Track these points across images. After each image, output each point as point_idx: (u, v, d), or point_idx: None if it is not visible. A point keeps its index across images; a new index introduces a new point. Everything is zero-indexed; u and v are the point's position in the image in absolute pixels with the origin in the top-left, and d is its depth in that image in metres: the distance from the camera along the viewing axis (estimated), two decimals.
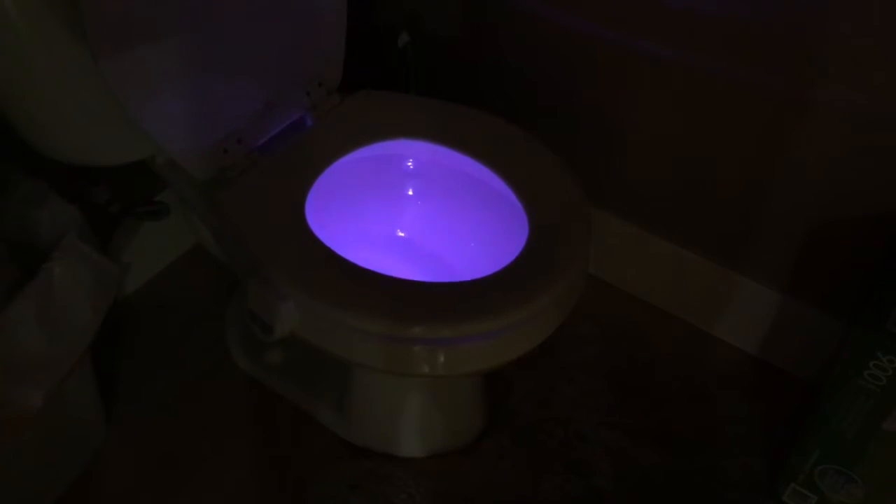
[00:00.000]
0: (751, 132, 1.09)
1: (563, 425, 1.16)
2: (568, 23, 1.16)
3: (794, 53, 1.00)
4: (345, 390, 1.10)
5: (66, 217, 0.97)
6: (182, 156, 0.95)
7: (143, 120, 0.88)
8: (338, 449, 1.12)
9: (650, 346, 1.28)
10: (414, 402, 1.09)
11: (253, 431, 1.15)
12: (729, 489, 1.10)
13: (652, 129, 1.18)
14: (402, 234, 1.13)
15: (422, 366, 0.85)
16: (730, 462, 1.13)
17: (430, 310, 0.83)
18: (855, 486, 1.00)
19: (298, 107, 1.07)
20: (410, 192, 1.11)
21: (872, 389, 0.90)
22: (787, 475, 1.05)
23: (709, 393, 1.22)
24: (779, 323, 1.21)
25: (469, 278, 0.86)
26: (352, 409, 1.10)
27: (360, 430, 1.12)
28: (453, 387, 1.10)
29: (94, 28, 0.80)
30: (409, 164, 1.09)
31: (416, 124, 1.06)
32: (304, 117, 1.08)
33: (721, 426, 1.17)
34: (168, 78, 0.90)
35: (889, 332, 0.87)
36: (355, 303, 0.83)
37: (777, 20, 0.99)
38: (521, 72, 1.26)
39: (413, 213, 1.12)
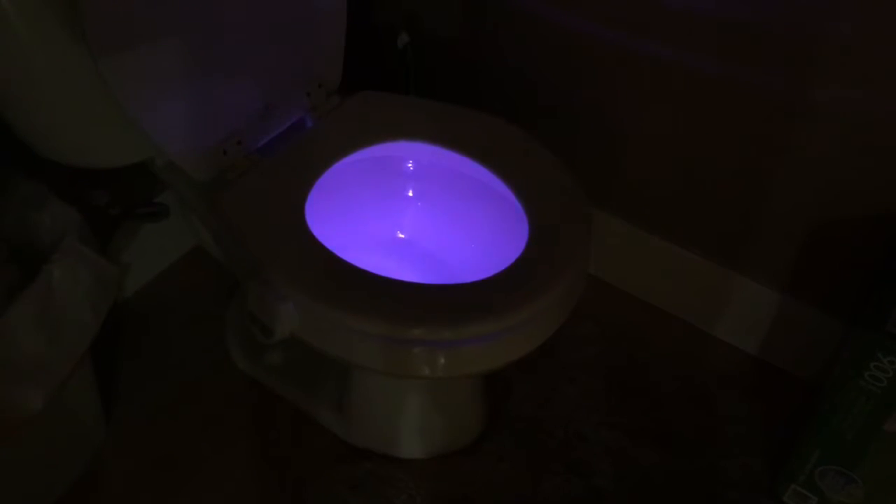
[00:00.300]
0: (750, 132, 1.09)
1: (563, 426, 1.16)
2: (568, 23, 1.16)
3: (793, 53, 1.00)
4: (345, 391, 1.10)
5: (65, 219, 0.97)
6: (181, 157, 0.95)
7: (142, 121, 0.88)
8: (338, 450, 1.12)
9: (650, 346, 1.28)
10: (414, 403, 1.09)
11: (253, 432, 1.15)
12: (729, 489, 1.10)
13: (652, 129, 1.18)
14: (401, 235, 1.13)
15: (422, 368, 0.85)
16: (730, 462, 1.13)
17: (430, 311, 0.83)
18: (855, 486, 1.00)
19: (298, 108, 1.07)
20: (410, 194, 1.11)
21: (873, 391, 0.90)
22: (787, 476, 1.05)
23: (709, 393, 1.22)
24: (779, 323, 1.21)
25: (469, 280, 0.86)
26: (352, 411, 1.10)
27: (361, 432, 1.12)
28: (453, 388, 1.10)
29: (93, 28, 0.80)
30: (409, 165, 1.09)
31: (416, 125, 1.05)
32: (304, 118, 1.08)
33: (721, 426, 1.17)
34: (167, 79, 0.90)
35: (889, 334, 0.87)
36: (355, 304, 0.83)
37: (777, 20, 0.99)
38: (520, 72, 1.26)
39: (413, 215, 1.12)
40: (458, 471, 1.11)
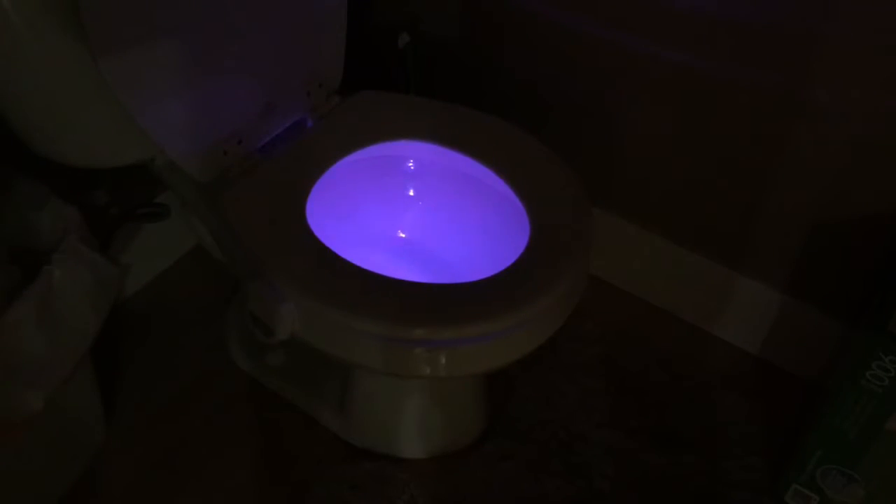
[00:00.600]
0: (751, 132, 1.09)
1: (563, 426, 1.16)
2: (568, 22, 1.16)
3: (794, 53, 1.00)
4: (346, 391, 1.09)
5: (66, 219, 0.96)
6: (182, 157, 0.95)
7: (143, 121, 0.88)
8: (339, 450, 1.12)
9: (651, 346, 1.28)
10: (415, 403, 1.08)
11: (253, 433, 1.15)
12: (731, 489, 1.10)
13: (652, 128, 1.18)
14: (403, 235, 1.13)
15: (423, 367, 0.85)
16: (731, 462, 1.13)
17: (431, 311, 0.83)
18: (857, 486, 0.99)
19: (299, 108, 1.07)
20: (411, 193, 1.11)
21: (875, 390, 0.90)
22: (789, 475, 1.05)
23: (710, 393, 1.22)
24: (780, 323, 1.21)
25: (470, 279, 0.86)
26: (353, 411, 1.10)
27: (361, 432, 1.12)
28: (454, 388, 1.10)
29: (94, 28, 0.79)
30: (410, 164, 1.08)
31: (417, 125, 1.05)
32: (305, 118, 1.08)
33: (722, 426, 1.17)
34: (168, 79, 0.89)
35: (892, 334, 0.87)
36: (356, 304, 0.83)
37: (777, 20, 0.99)
38: (521, 71, 1.26)
39: (414, 214, 1.12)
40: (459, 471, 1.10)
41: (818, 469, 1.01)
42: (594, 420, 1.17)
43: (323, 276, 0.86)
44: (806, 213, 1.10)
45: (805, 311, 1.17)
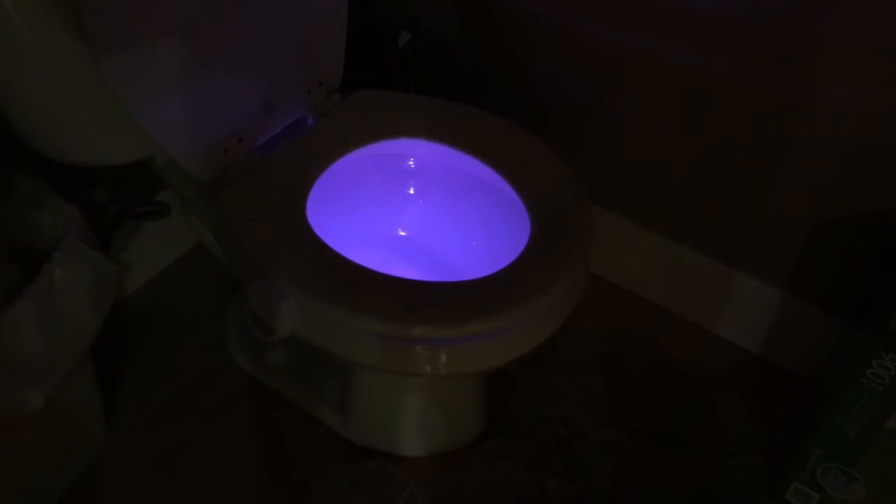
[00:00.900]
0: (752, 130, 1.09)
1: (564, 425, 1.16)
2: (568, 21, 1.16)
3: (795, 52, 1.00)
4: (346, 390, 1.09)
5: (66, 217, 0.96)
6: (182, 156, 0.95)
7: (143, 119, 0.88)
8: (339, 449, 1.12)
9: (651, 344, 1.28)
10: (415, 401, 1.08)
11: (253, 432, 1.15)
12: (731, 488, 1.10)
13: (653, 126, 1.18)
14: (403, 233, 1.12)
15: (423, 366, 0.85)
16: (732, 461, 1.13)
17: (431, 309, 0.83)
18: (857, 484, 0.99)
19: (299, 106, 1.07)
20: (411, 191, 1.11)
21: (875, 389, 0.90)
22: (789, 474, 1.05)
23: (710, 392, 1.22)
24: (781, 321, 1.21)
25: (470, 277, 0.86)
26: (353, 409, 1.10)
27: (362, 430, 1.12)
28: (454, 386, 1.10)
29: (94, 26, 0.79)
30: (410, 163, 1.08)
31: (417, 123, 1.05)
32: (305, 116, 1.08)
33: (723, 425, 1.17)
34: (168, 77, 0.89)
35: (892, 332, 0.87)
36: (356, 303, 0.83)
37: (778, 18, 0.99)
38: (521, 70, 1.25)
39: (414, 213, 1.12)
40: (460, 469, 1.10)
41: (819, 467, 1.01)
42: (594, 419, 1.17)
43: (323, 274, 0.86)
44: (806, 211, 1.10)
45: (805, 310, 1.17)
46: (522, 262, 0.88)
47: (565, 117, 1.24)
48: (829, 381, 1.06)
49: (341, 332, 0.85)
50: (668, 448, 1.14)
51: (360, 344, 0.85)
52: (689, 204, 1.21)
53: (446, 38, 1.31)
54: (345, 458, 1.11)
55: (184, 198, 1.07)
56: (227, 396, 1.18)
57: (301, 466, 1.10)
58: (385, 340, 0.84)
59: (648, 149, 1.20)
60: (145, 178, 1.10)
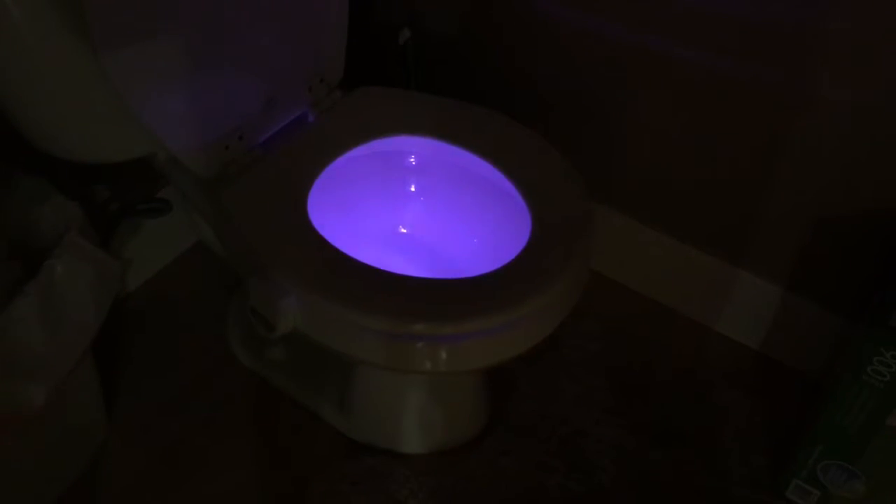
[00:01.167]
0: (753, 127, 1.09)
1: (564, 422, 1.16)
2: (569, 18, 1.16)
3: (796, 49, 1.00)
4: (347, 387, 1.09)
5: (67, 214, 0.96)
6: (183, 152, 0.95)
7: (144, 116, 0.88)
8: (339, 446, 1.12)
9: (652, 341, 1.28)
10: (416, 398, 1.08)
11: (254, 428, 1.15)
12: (732, 485, 1.10)
13: (654, 124, 1.18)
14: (404, 230, 1.12)
15: (424, 362, 0.85)
16: (732, 458, 1.13)
17: (432, 306, 0.83)
18: (858, 481, 0.99)
19: (300, 103, 1.07)
20: (413, 189, 1.11)
21: (876, 385, 0.90)
22: (790, 471, 1.05)
23: (711, 388, 1.22)
24: (782, 318, 1.21)
25: (471, 274, 0.86)
26: (354, 406, 1.10)
27: (362, 427, 1.12)
28: (455, 383, 1.10)
29: (95, 23, 0.79)
30: (412, 160, 1.08)
31: (419, 120, 1.05)
32: (306, 114, 1.08)
33: (723, 422, 1.17)
34: (169, 74, 0.89)
35: (893, 329, 0.87)
36: (357, 299, 0.83)
37: (779, 15, 0.99)
38: (521, 68, 1.25)
39: (415, 210, 1.12)
40: (460, 466, 1.11)
41: (819, 464, 1.01)
42: (595, 416, 1.17)
43: (324, 270, 0.86)
44: (807, 208, 1.10)
45: (806, 307, 1.17)
46: (523, 259, 0.88)
47: (566, 114, 1.24)
48: (830, 378, 1.06)
49: (342, 329, 0.85)
50: (669, 445, 1.14)
51: (361, 341, 0.85)
52: (690, 201, 1.21)
53: (447, 35, 1.31)
54: (345, 454, 1.11)
55: (185, 195, 1.07)
56: (228, 393, 1.18)
57: (301, 463, 1.10)
58: (385, 337, 0.84)
59: (649, 146, 1.20)
60: (146, 175, 1.10)
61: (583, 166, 0.99)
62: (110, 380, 1.16)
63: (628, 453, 1.13)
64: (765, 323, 1.23)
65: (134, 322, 1.26)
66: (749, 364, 1.25)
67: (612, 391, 1.21)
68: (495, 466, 1.11)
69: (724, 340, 1.28)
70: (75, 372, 0.93)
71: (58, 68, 0.88)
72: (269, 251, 0.88)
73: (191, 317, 1.27)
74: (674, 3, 1.05)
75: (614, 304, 1.33)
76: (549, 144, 1.01)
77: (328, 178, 0.99)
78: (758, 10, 1.00)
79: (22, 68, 0.87)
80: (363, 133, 1.03)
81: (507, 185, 0.98)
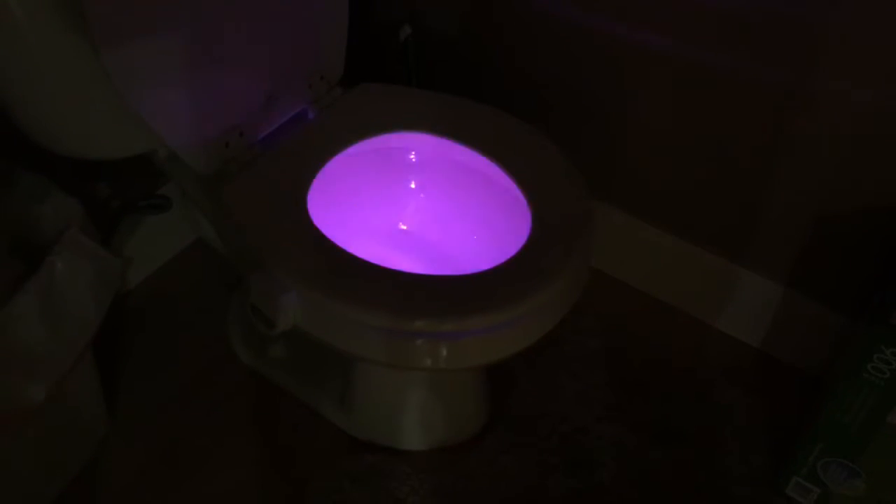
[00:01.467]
0: (754, 125, 1.09)
1: (564, 419, 1.16)
2: (569, 15, 1.16)
3: (797, 46, 1.00)
4: (347, 384, 1.10)
5: (67, 211, 0.96)
6: (183, 149, 0.95)
7: (144, 113, 0.88)
8: (340, 443, 1.12)
9: (652, 339, 1.28)
10: (416, 395, 1.09)
11: (255, 425, 1.15)
12: (732, 482, 1.10)
13: (654, 121, 1.18)
14: (404, 227, 1.12)
15: (424, 359, 0.85)
16: (733, 455, 1.13)
17: (432, 303, 0.83)
18: (858, 479, 0.99)
19: (300, 100, 1.07)
20: (413, 185, 1.11)
21: (876, 383, 0.90)
22: (790, 468, 1.05)
23: (712, 386, 1.22)
24: (782, 316, 1.21)
25: (471, 271, 0.86)
26: (354, 403, 1.10)
27: (363, 424, 1.12)
28: (456, 380, 1.10)
29: (95, 19, 0.79)
30: (412, 156, 1.08)
31: (419, 117, 1.05)
32: (306, 110, 1.08)
33: (724, 419, 1.17)
34: (170, 71, 0.89)
35: (893, 327, 0.87)
36: (357, 296, 0.83)
37: (780, 12, 0.99)
38: (522, 65, 1.25)
39: (415, 206, 1.12)
40: (461, 464, 1.11)
41: (819, 462, 1.01)
42: (595, 413, 1.17)
43: (324, 267, 0.86)
44: (808, 205, 1.10)
45: (807, 304, 1.17)
46: (523, 256, 0.88)
47: (566, 111, 1.24)
48: (830, 376, 1.06)
49: (342, 326, 0.85)
50: (669, 442, 1.14)
51: (361, 337, 0.85)
52: (690, 199, 1.21)
53: (447, 32, 1.31)
54: (346, 452, 1.11)
55: (185, 191, 1.07)
56: (229, 390, 1.18)
57: (302, 461, 1.10)
58: (386, 334, 0.84)
59: (650, 143, 1.20)
60: (146, 172, 1.10)
61: (583, 164, 0.99)
62: (110, 377, 1.16)
63: (628, 451, 1.13)
64: (765, 321, 1.23)
65: (134, 319, 1.26)
66: (749, 362, 1.25)
67: (613, 389, 1.21)
68: (495, 464, 1.11)
69: (725, 338, 1.28)
70: (75, 369, 0.93)
71: (58, 66, 0.88)
72: (269, 248, 0.88)
73: (191, 314, 1.27)
74: (674, 2, 1.05)
75: (615, 301, 1.33)
76: (550, 140, 1.01)
77: (328, 175, 0.99)
78: (758, 9, 1.00)
79: (23, 66, 0.87)
80: (363, 130, 1.03)
81: (508, 182, 0.98)
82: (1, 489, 0.95)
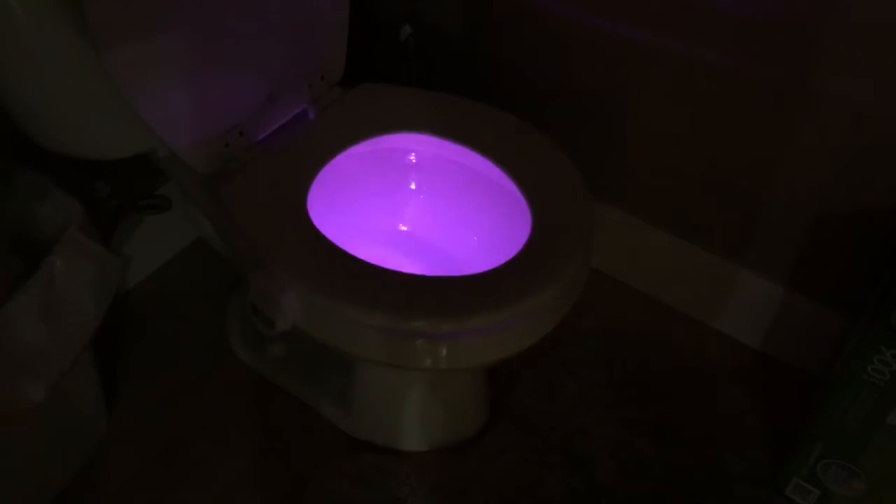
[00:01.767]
0: (754, 125, 1.09)
1: (564, 419, 1.16)
2: (569, 15, 1.15)
3: (797, 46, 1.00)
4: (347, 384, 1.10)
5: (67, 210, 0.96)
6: (183, 149, 0.95)
7: (144, 113, 0.88)
8: (340, 442, 1.12)
9: (652, 339, 1.28)
10: (416, 395, 1.08)
11: (255, 425, 1.15)
12: (731, 483, 1.10)
13: (655, 121, 1.18)
14: (404, 227, 1.12)
15: (424, 359, 0.85)
16: (732, 456, 1.13)
17: (432, 304, 0.83)
18: (857, 480, 0.99)
19: (300, 100, 1.07)
20: (413, 186, 1.11)
21: (876, 384, 0.90)
22: (789, 469, 1.05)
23: (711, 387, 1.22)
24: (782, 316, 1.21)
25: (471, 272, 0.86)
26: (354, 403, 1.10)
27: (362, 424, 1.12)
28: (455, 380, 1.10)
29: (95, 19, 0.79)
30: (412, 157, 1.08)
31: (419, 117, 1.05)
32: (306, 110, 1.08)
33: (723, 420, 1.17)
34: (170, 70, 0.89)
35: (893, 328, 0.87)
36: (357, 296, 0.83)
37: (781, 12, 0.98)
38: (522, 65, 1.25)
39: (415, 207, 1.12)
40: (460, 463, 1.11)
41: (819, 463, 1.01)
42: (595, 413, 1.17)
43: (324, 267, 0.86)
44: (808, 206, 1.10)
45: (806, 305, 1.17)
46: (523, 256, 0.88)
47: (566, 111, 1.24)
48: (830, 377, 1.06)
49: (342, 326, 0.85)
50: (669, 443, 1.14)
51: (361, 337, 0.85)
52: (690, 199, 1.21)
53: (448, 32, 1.31)
54: (345, 452, 1.11)
55: (185, 191, 1.07)
56: (228, 390, 1.18)
57: (301, 460, 1.10)
58: (386, 334, 0.84)
59: (650, 144, 1.20)
60: (146, 171, 1.10)
61: (583, 164, 0.99)
62: (110, 376, 1.16)
63: (628, 450, 1.13)
64: (765, 321, 1.23)
65: (134, 319, 1.26)
66: (749, 362, 1.25)
67: (613, 388, 1.21)
68: (495, 463, 1.11)
69: (725, 338, 1.28)
70: (75, 368, 0.93)
71: (58, 64, 0.88)
72: (268, 248, 0.88)
73: (191, 313, 1.27)
74: (674, 1, 1.05)
75: (614, 301, 1.33)
76: (550, 141, 1.01)
77: (328, 175, 0.99)
78: (761, 5, 1.00)
79: (22, 64, 0.87)
80: (363, 130, 1.03)
81: (507, 182, 0.98)
82: (2, 487, 0.95)
